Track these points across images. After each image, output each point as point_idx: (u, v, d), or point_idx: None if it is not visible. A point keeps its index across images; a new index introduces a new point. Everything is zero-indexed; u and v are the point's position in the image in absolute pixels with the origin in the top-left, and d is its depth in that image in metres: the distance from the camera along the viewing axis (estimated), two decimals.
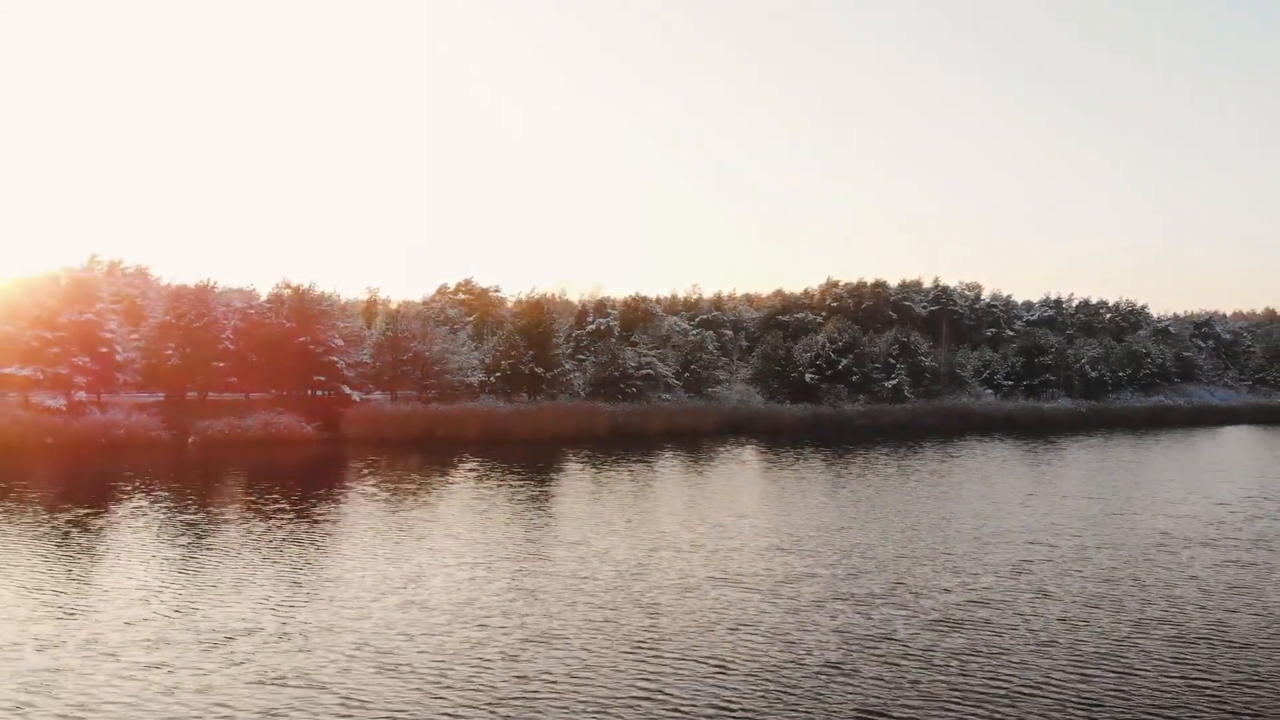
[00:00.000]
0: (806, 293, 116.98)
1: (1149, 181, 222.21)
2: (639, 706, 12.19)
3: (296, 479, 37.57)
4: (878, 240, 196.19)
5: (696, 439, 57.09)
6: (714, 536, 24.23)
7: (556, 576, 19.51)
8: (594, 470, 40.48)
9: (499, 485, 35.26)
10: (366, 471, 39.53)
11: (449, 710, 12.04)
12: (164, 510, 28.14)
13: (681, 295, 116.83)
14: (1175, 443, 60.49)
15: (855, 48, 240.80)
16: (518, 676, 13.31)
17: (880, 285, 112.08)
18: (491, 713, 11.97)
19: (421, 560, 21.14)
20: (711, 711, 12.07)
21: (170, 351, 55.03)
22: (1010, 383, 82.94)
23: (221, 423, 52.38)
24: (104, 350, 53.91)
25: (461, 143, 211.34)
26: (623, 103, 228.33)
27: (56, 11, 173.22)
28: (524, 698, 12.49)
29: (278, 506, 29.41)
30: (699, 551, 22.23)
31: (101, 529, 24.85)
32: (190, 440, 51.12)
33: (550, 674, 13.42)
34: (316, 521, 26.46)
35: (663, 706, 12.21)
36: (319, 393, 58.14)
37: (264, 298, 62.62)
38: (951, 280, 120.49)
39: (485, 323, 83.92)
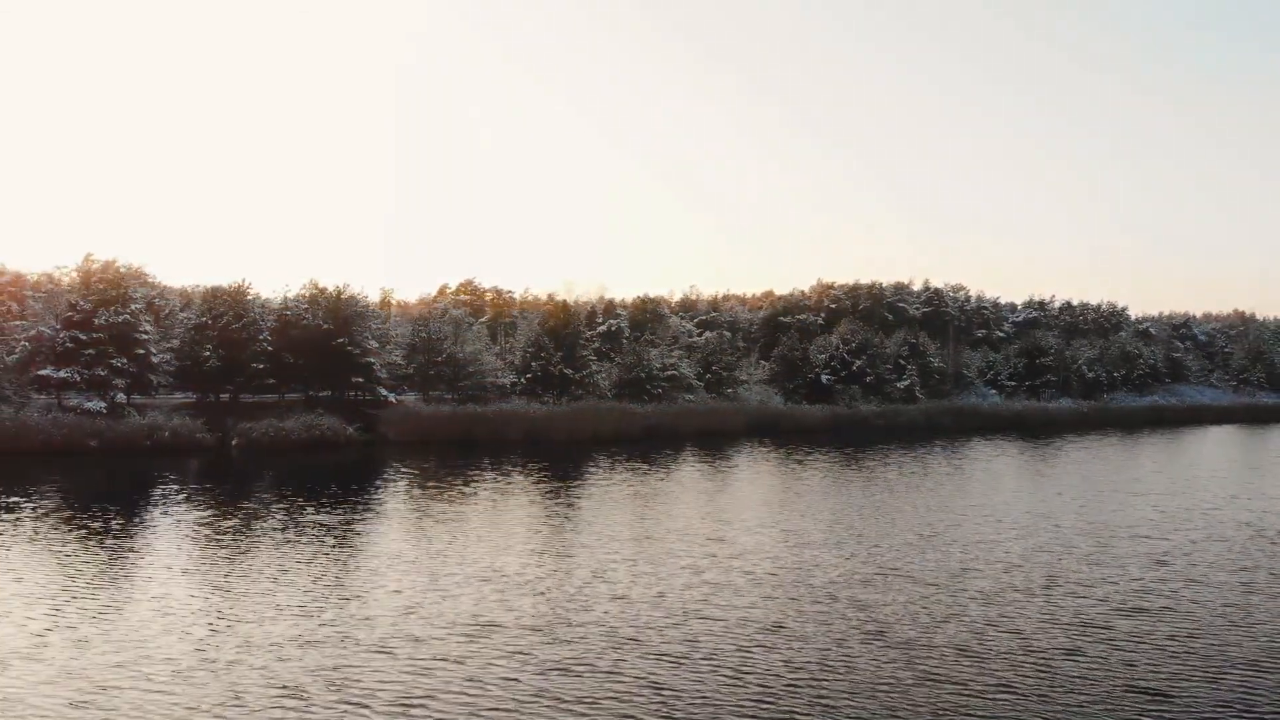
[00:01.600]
0: (802, 293, 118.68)
1: (1114, 184, 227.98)
2: (923, 688, 13.09)
3: (371, 481, 37.76)
4: (853, 242, 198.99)
5: (730, 439, 58.06)
6: (843, 533, 25.17)
7: (732, 571, 20.32)
8: (662, 470, 41.20)
9: (587, 485, 35.85)
10: (442, 472, 39.83)
11: (758, 698, 12.83)
12: (281, 511, 28.35)
13: (678, 296, 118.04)
14: (1187, 441, 62.83)
15: (822, 52, 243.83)
16: (795, 667, 14.11)
17: (876, 287, 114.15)
18: (813, 701, 12.78)
19: (587, 556, 21.78)
20: (994, 693, 13.00)
21: (208, 353, 54.71)
22: (1013, 383, 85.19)
23: (263, 425, 52.16)
24: (140, 352, 53.51)
25: (436, 148, 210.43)
26: (600, 107, 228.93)
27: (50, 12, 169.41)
28: (822, 687, 13.31)
29: (392, 506, 29.84)
30: (844, 547, 23.16)
31: (227, 531, 25.09)
32: (234, 443, 50.91)
33: (824, 663, 14.24)
34: (442, 521, 26.90)
35: (948, 691, 13.11)
36: (355, 394, 58.15)
37: (273, 299, 62.15)
38: (936, 282, 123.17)
39: (498, 323, 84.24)
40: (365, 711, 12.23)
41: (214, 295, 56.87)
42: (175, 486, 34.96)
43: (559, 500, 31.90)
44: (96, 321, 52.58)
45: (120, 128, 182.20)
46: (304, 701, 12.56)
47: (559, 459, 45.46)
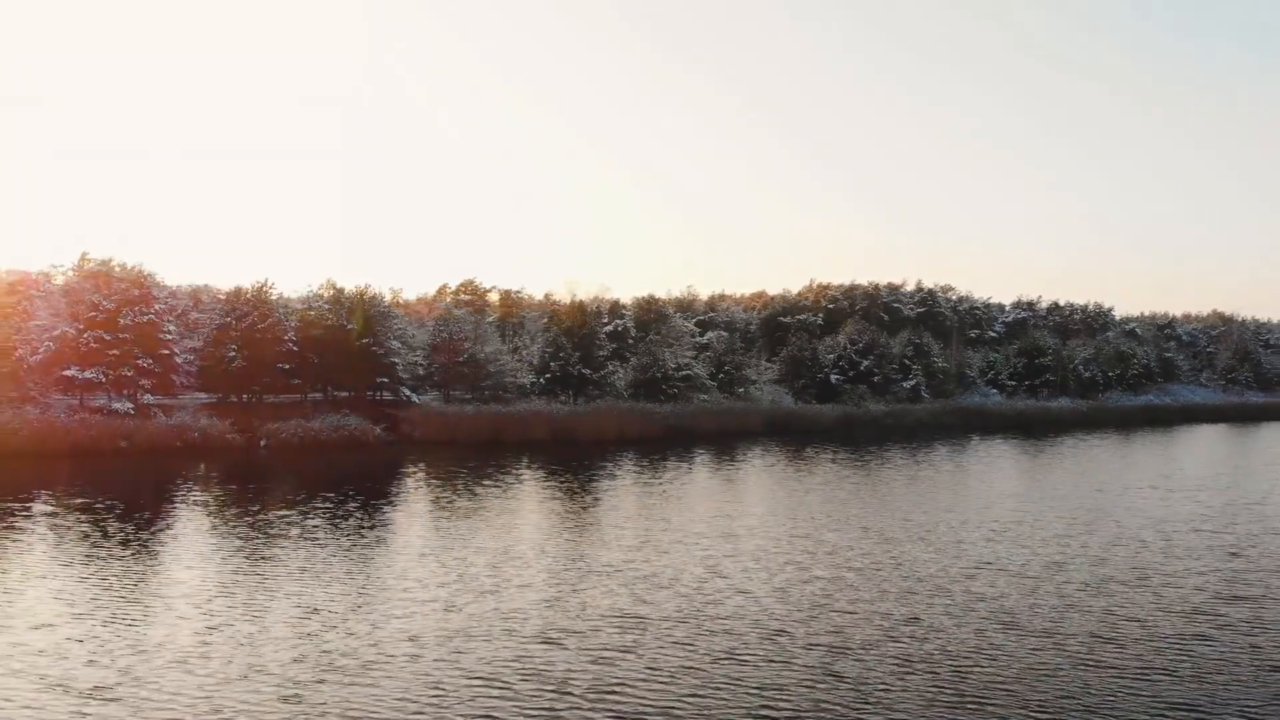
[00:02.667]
0: (797, 294, 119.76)
1: (1091, 186, 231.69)
2: (1081, 673, 13.88)
3: (423, 480, 38.06)
4: (840, 243, 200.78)
5: (749, 439, 58.81)
6: (919, 530, 26.00)
7: (838, 567, 21.08)
8: (703, 467, 41.84)
9: (639, 482, 36.37)
10: (490, 470, 40.01)
11: (932, 685, 13.53)
12: (358, 509, 28.65)
13: (674, 296, 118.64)
14: (1190, 439, 64.55)
15: (809, 55, 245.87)
16: (954, 655, 14.85)
17: (874, 287, 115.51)
18: (985, 685, 13.50)
19: (683, 551, 22.39)
20: (1151, 675, 13.82)
21: (233, 354, 54.65)
22: (1013, 383, 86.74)
23: (290, 425, 52.22)
24: (164, 353, 53.39)
25: (426, 149, 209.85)
26: (591, 110, 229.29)
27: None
28: (986, 673, 14.05)
29: (464, 505, 30.26)
30: (928, 543, 23.98)
31: (314, 531, 25.40)
32: (261, 444, 50.91)
33: (980, 650, 15.01)
34: (526, 517, 27.38)
35: (1108, 675, 13.90)
36: (376, 394, 58.30)
37: (294, 299, 62.15)
38: (927, 283, 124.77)
39: (506, 323, 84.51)
40: (569, 698, 12.79)
41: (236, 295, 56.75)
42: (233, 486, 35.19)
43: (623, 497, 32.44)
44: (121, 322, 52.42)
45: (103, 125, 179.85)
46: (506, 689, 13.11)
47: (595, 458, 45.94)
